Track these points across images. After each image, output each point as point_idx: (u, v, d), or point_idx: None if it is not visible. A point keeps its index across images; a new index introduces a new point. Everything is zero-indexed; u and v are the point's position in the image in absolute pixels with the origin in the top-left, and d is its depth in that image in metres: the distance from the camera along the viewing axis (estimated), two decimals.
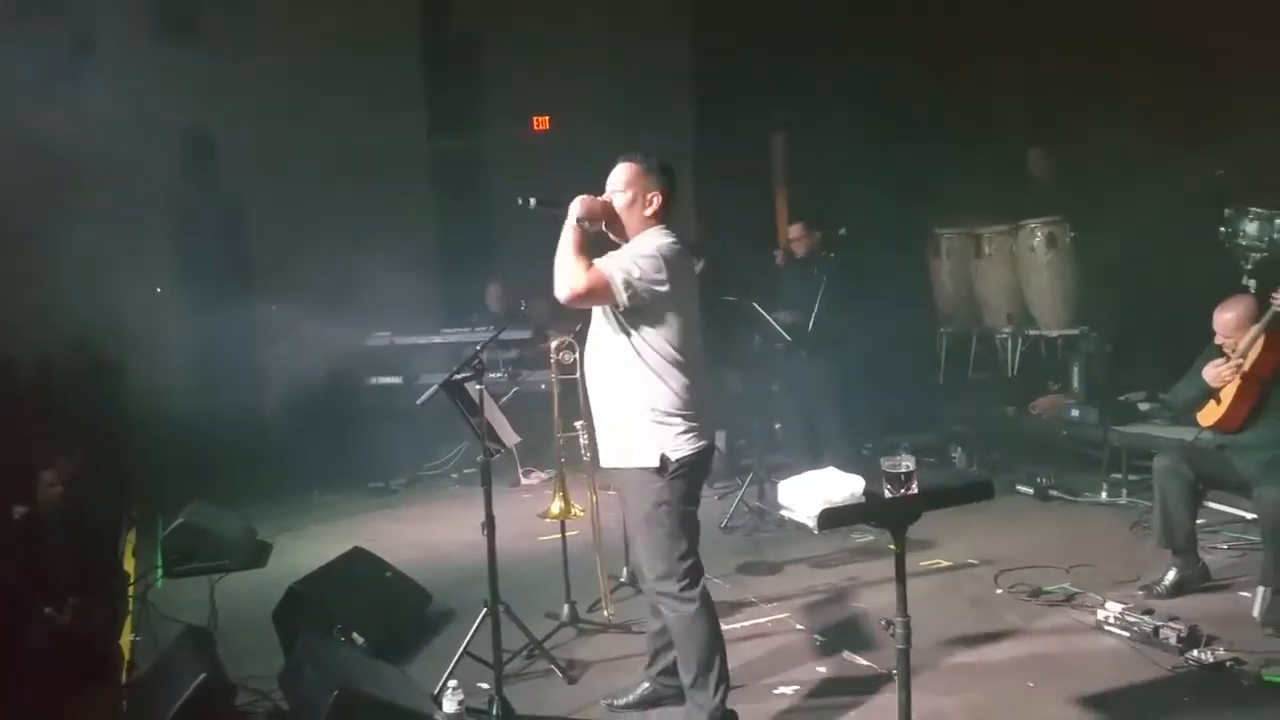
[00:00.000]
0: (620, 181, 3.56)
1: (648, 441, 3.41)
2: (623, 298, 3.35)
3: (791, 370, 7.06)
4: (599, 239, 3.56)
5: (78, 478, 5.48)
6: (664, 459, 3.39)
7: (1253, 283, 5.14)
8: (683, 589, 3.45)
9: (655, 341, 3.41)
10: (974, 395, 7.94)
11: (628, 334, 3.43)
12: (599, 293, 3.37)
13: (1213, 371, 4.55)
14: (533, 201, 3.58)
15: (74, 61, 7.38)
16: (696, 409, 3.46)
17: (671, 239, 3.49)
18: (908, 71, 8.25)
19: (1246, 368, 4.45)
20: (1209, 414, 4.65)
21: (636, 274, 3.36)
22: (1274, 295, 4.27)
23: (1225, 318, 4.51)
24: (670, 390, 3.41)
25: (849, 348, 6.99)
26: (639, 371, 3.42)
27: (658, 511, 3.43)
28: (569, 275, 3.39)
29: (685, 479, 3.45)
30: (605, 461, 3.60)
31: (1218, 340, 4.55)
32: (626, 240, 3.55)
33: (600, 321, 3.55)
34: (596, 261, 3.41)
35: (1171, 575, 4.63)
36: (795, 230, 7.49)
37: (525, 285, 8.27)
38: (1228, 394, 4.54)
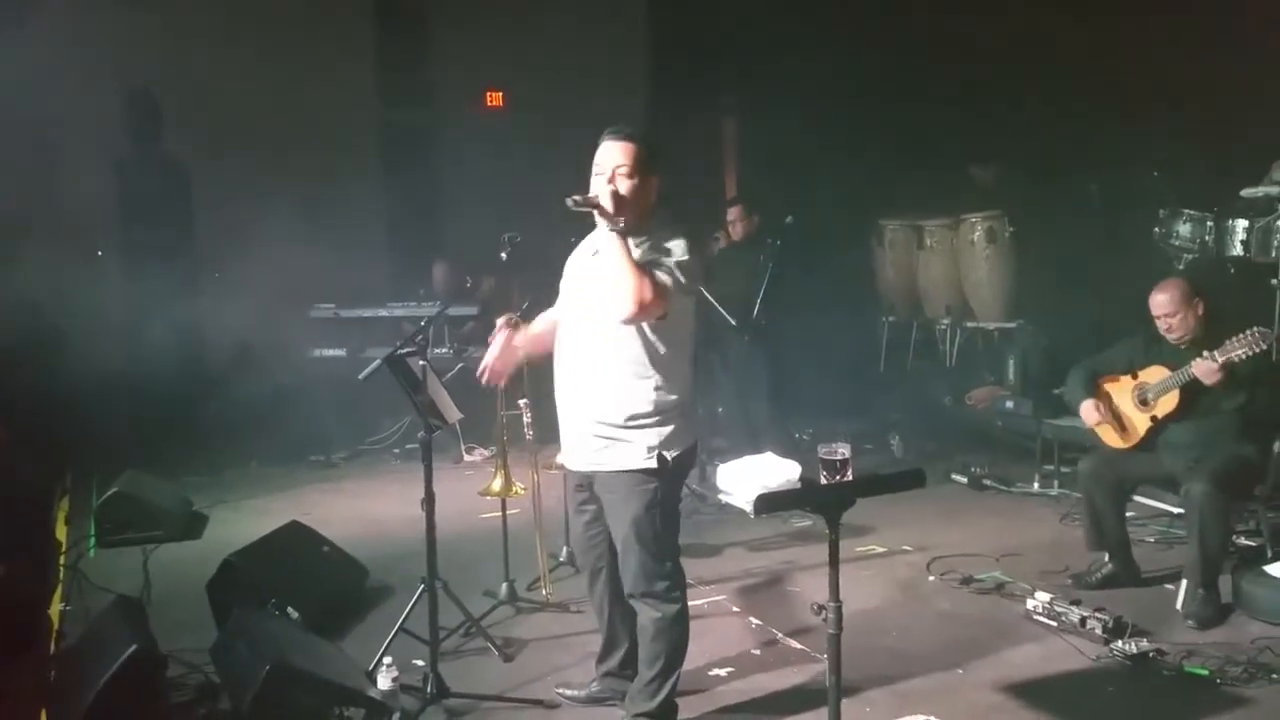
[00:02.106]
0: (625, 164, 3.28)
1: (642, 442, 3.28)
2: (668, 311, 3.21)
3: (733, 354, 7.10)
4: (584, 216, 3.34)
5: (10, 443, 5.37)
6: (662, 459, 3.29)
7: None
8: (668, 589, 3.38)
9: (665, 342, 3.28)
10: (913, 384, 8.07)
11: (641, 336, 3.26)
12: (660, 306, 3.17)
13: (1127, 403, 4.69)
14: (572, 201, 3.28)
15: (15, 15, 7.18)
16: (690, 405, 3.38)
17: (684, 236, 3.31)
18: (859, 62, 8.31)
19: (1160, 415, 4.58)
20: (1113, 438, 4.76)
21: (685, 281, 3.23)
22: (1195, 363, 4.37)
23: (1160, 298, 4.56)
24: (673, 387, 3.31)
25: (791, 334, 7.04)
26: (643, 371, 3.28)
27: (651, 513, 3.31)
28: (636, 288, 3.12)
29: (679, 478, 3.39)
30: (583, 464, 3.42)
31: (1157, 318, 4.57)
32: (628, 227, 3.25)
33: (588, 320, 3.34)
34: (659, 265, 3.22)
35: (1104, 571, 4.74)
36: (733, 212, 7.36)
37: (472, 264, 8.30)
38: (1137, 428, 4.66)
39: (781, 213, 7.29)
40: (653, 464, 3.28)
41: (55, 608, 4.67)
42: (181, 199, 8.66)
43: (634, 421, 3.29)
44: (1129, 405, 4.70)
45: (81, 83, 7.58)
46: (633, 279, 3.14)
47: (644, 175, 3.31)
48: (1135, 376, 4.70)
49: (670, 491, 3.37)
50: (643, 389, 3.28)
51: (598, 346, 3.33)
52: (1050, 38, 7.40)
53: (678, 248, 3.27)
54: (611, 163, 3.30)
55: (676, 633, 3.43)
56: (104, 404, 7.18)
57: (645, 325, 3.24)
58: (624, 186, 3.28)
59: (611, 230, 3.22)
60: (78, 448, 6.83)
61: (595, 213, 3.27)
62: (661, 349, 3.28)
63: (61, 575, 5.00)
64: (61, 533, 5.81)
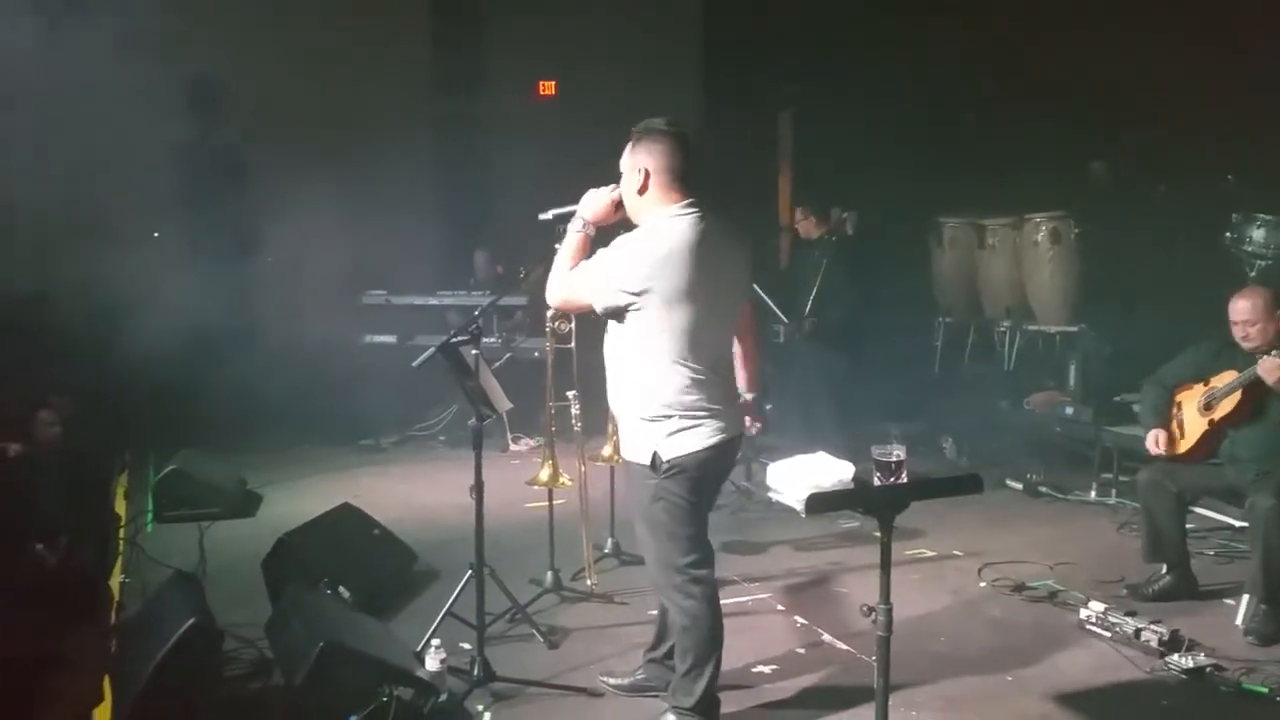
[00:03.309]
0: (623, 164, 3.40)
1: (641, 438, 3.32)
2: (598, 308, 3.31)
3: (785, 353, 7.06)
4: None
5: (75, 418, 5.49)
6: (655, 457, 3.27)
7: None
8: (685, 583, 3.36)
9: (653, 338, 3.24)
10: (969, 387, 7.94)
11: (624, 330, 3.31)
12: (575, 305, 3.37)
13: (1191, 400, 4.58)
14: (551, 214, 3.54)
15: (77, 3, 7.32)
16: (699, 406, 3.27)
17: (669, 225, 3.23)
18: (922, 56, 8.20)
19: (1217, 418, 4.48)
20: (1169, 444, 4.66)
21: (601, 282, 3.26)
22: (1261, 360, 4.26)
23: (1241, 305, 4.43)
24: (669, 388, 3.25)
25: (847, 332, 6.99)
26: (634, 367, 3.31)
27: (654, 507, 3.32)
28: (551, 287, 3.42)
29: (686, 476, 3.28)
30: (621, 453, 3.56)
31: (1235, 325, 4.45)
32: (633, 222, 3.39)
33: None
34: (579, 266, 3.37)
35: (1161, 583, 4.65)
36: (797, 214, 7.44)
37: (517, 253, 8.31)
38: (1193, 432, 4.56)
39: (838, 209, 7.25)
40: (646, 460, 3.30)
41: (115, 580, 4.77)
42: (237, 184, 8.79)
43: (637, 418, 3.34)
44: (1192, 411, 4.59)
45: (141, 69, 7.72)
46: (555, 276, 3.41)
47: (629, 168, 3.36)
48: (1207, 383, 4.59)
49: (679, 489, 3.30)
50: (641, 388, 3.31)
51: (614, 345, 3.41)
52: (1120, 40, 7.26)
53: (625, 243, 3.28)
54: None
55: (702, 629, 3.39)
56: (162, 384, 7.33)
57: (634, 327, 3.26)
58: (623, 185, 3.40)
59: (575, 229, 3.44)
60: (136, 425, 6.98)
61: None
62: (661, 348, 3.24)
63: (121, 548, 5.11)
64: (121, 507, 5.94)
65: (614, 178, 3.43)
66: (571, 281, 3.37)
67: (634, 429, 3.35)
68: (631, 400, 3.34)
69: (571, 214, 3.49)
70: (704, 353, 3.29)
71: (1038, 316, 7.84)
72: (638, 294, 3.21)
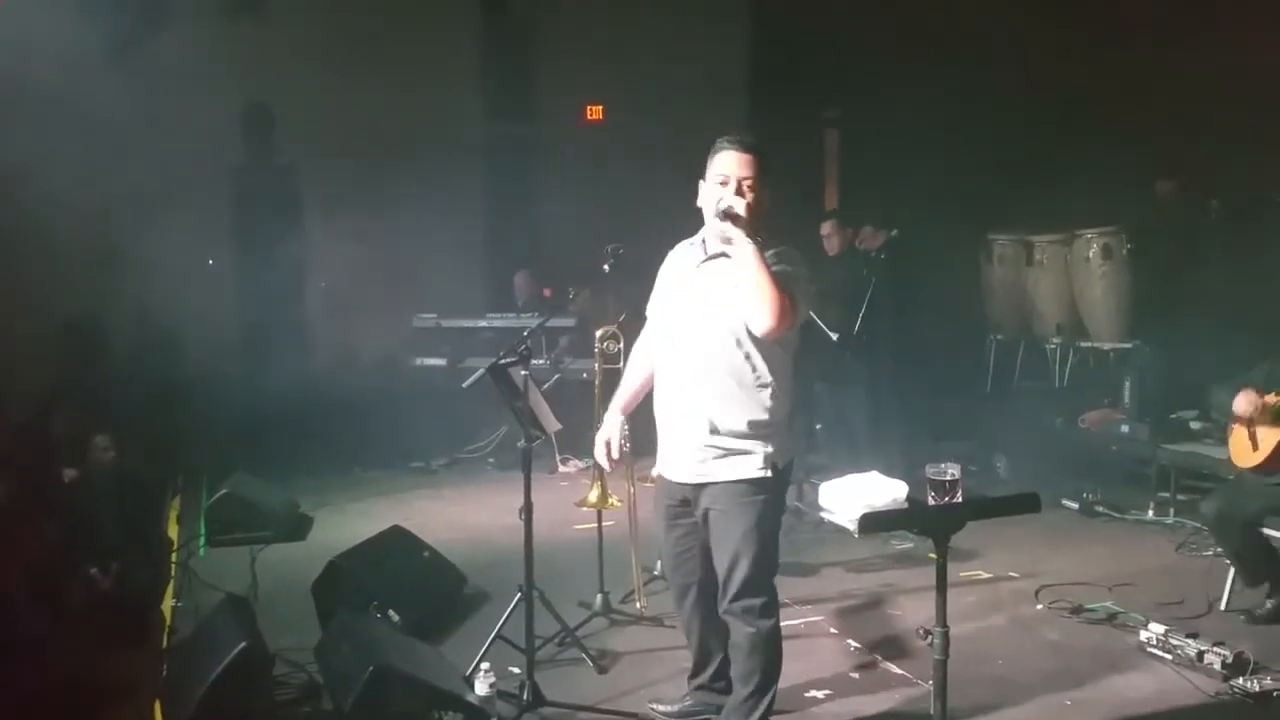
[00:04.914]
0: (751, 176, 3.29)
1: (756, 451, 3.27)
2: (800, 318, 3.28)
3: (834, 371, 6.99)
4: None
5: (129, 444, 5.58)
6: (776, 469, 3.29)
7: None
8: (765, 604, 3.34)
9: (785, 351, 3.31)
10: (1021, 405, 7.83)
11: (763, 345, 3.25)
12: (795, 318, 3.24)
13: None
14: (720, 213, 3.28)
15: (137, 32, 7.50)
16: (788, 415, 3.38)
17: (791, 249, 3.36)
18: (964, 74, 8.15)
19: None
20: (1243, 454, 4.54)
21: (807, 285, 3.29)
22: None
23: None
24: (788, 398, 3.33)
25: (896, 351, 6.91)
26: (764, 379, 3.27)
27: (767, 523, 3.30)
28: (775, 302, 3.14)
29: (783, 490, 3.38)
30: (691, 475, 3.36)
31: None
32: (751, 235, 3.23)
33: (708, 329, 3.31)
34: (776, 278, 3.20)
35: (1271, 602, 4.52)
36: (827, 227, 7.25)
37: (567, 276, 8.35)
38: (1268, 441, 4.43)
39: (886, 227, 7.18)
40: (769, 474, 3.28)
41: (168, 604, 4.82)
42: (291, 209, 8.93)
43: (754, 430, 3.27)
44: (1266, 422, 4.47)
45: (199, 95, 7.90)
46: (772, 293, 3.14)
47: (765, 187, 3.32)
48: (1256, 445, 4.47)
49: (780, 503, 3.38)
50: (762, 398, 3.29)
51: (719, 355, 3.28)
52: (1167, 49, 7.17)
53: (793, 256, 3.32)
54: (738, 174, 3.29)
55: (772, 649, 3.38)
56: (215, 408, 7.44)
57: (777, 343, 3.26)
58: (753, 198, 3.28)
59: (749, 243, 3.20)
60: (189, 450, 7.07)
61: (729, 222, 3.23)
62: (780, 358, 3.31)
63: (173, 573, 5.16)
64: (173, 531, 6.01)
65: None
66: (791, 290, 3.19)
67: (753, 444, 3.27)
68: (745, 413, 3.27)
69: (730, 212, 3.24)
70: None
71: (1090, 333, 7.73)
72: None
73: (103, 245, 7.46)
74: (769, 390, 3.28)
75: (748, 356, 3.27)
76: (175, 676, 3.84)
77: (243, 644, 3.42)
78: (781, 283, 3.18)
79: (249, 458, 6.71)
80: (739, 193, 3.27)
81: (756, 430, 3.27)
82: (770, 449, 3.28)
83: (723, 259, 3.33)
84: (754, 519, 3.28)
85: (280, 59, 8.50)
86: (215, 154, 8.62)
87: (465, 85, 9.53)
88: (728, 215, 3.22)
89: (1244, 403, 4.47)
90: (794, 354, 3.38)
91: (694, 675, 3.75)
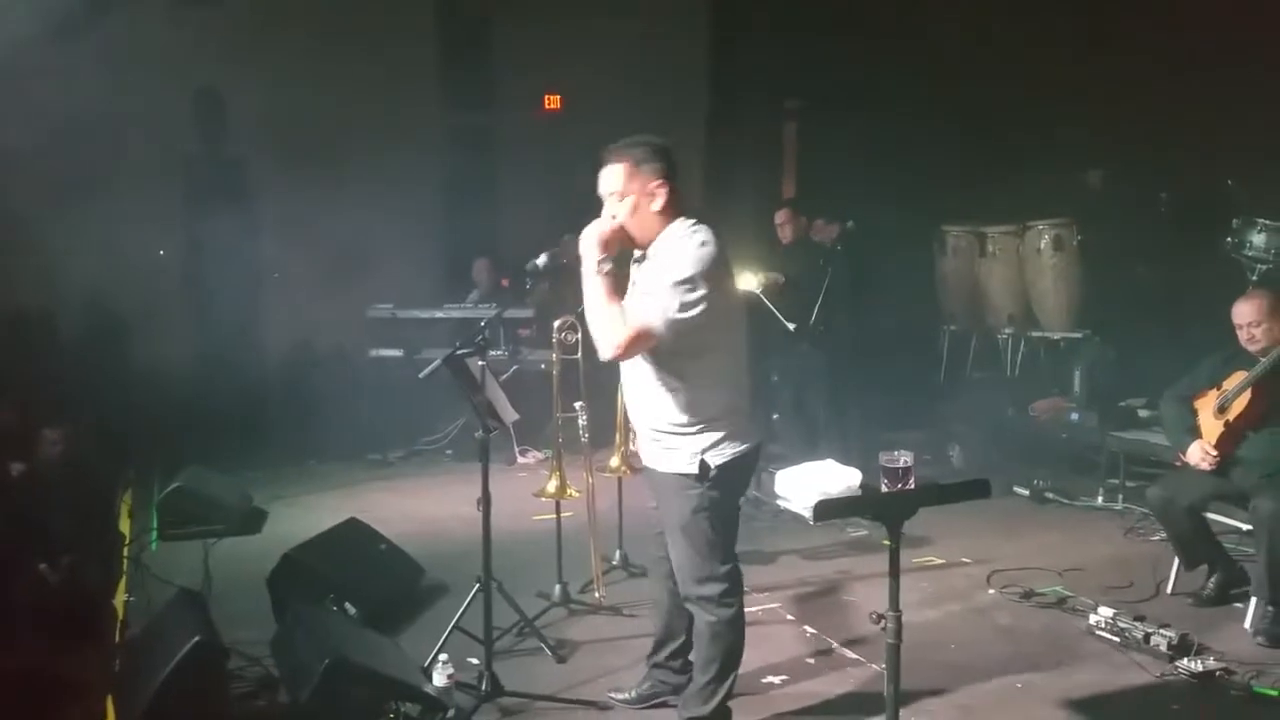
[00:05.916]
0: (615, 187, 3.26)
1: (685, 448, 3.27)
2: (668, 340, 3.15)
3: (791, 361, 7.04)
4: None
5: (79, 437, 5.48)
6: (703, 465, 3.26)
7: None
8: (721, 594, 3.35)
9: (707, 344, 3.23)
10: (974, 394, 7.93)
11: (653, 355, 3.25)
12: (644, 343, 3.15)
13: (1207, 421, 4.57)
14: (541, 262, 3.46)
15: (88, 19, 7.36)
16: (736, 412, 3.31)
17: (702, 238, 3.21)
18: (921, 67, 8.23)
19: (1231, 418, 4.47)
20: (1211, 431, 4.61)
21: (676, 311, 3.11)
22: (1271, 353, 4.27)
23: (1244, 307, 4.46)
24: (717, 394, 3.27)
25: (850, 341, 6.97)
26: (681, 375, 3.25)
27: (698, 517, 3.30)
28: (610, 333, 3.15)
29: (729, 484, 3.32)
30: (648, 460, 3.43)
31: (1240, 328, 4.46)
32: (644, 245, 3.28)
33: None
34: (634, 308, 3.18)
35: (1214, 581, 4.64)
36: (780, 216, 7.30)
37: (519, 264, 8.32)
38: (1210, 436, 4.54)
39: (841, 219, 7.23)
40: (694, 469, 3.27)
41: (120, 599, 4.76)
42: (243, 198, 8.82)
43: (676, 428, 3.29)
44: (1208, 416, 4.58)
45: (147, 83, 7.76)
46: (606, 321, 3.17)
47: (638, 185, 3.24)
48: (1220, 388, 4.58)
49: (721, 497, 3.33)
50: (676, 400, 3.26)
51: (637, 358, 3.31)
52: (1118, 41, 7.28)
53: (678, 264, 3.16)
54: (603, 190, 3.31)
55: (731, 638, 3.40)
56: (166, 400, 7.33)
57: (682, 344, 3.18)
58: (619, 211, 3.26)
59: (594, 275, 3.20)
60: (141, 442, 6.97)
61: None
62: (680, 366, 3.24)
63: (125, 567, 5.09)
64: (125, 525, 5.92)
65: None
66: (633, 320, 3.15)
67: (675, 440, 3.29)
68: (674, 410, 3.28)
69: (562, 264, 3.40)
70: (740, 357, 3.36)
71: (1041, 323, 7.84)
72: (705, 298, 3.13)
73: (50, 236, 7.32)
74: (679, 394, 3.25)
75: (653, 364, 3.27)
76: (128, 672, 3.79)
77: (196, 638, 3.38)
78: (636, 309, 3.16)
79: (201, 451, 6.62)
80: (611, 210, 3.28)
81: (679, 428, 3.28)
82: (698, 444, 3.25)
83: (646, 262, 3.32)
84: (687, 512, 3.30)
85: (234, 46, 8.39)
86: (166, 143, 8.49)
87: (422, 74, 9.46)
88: (547, 265, 3.42)
89: (1199, 456, 4.54)
90: (718, 347, 3.26)
91: (653, 653, 3.78)
